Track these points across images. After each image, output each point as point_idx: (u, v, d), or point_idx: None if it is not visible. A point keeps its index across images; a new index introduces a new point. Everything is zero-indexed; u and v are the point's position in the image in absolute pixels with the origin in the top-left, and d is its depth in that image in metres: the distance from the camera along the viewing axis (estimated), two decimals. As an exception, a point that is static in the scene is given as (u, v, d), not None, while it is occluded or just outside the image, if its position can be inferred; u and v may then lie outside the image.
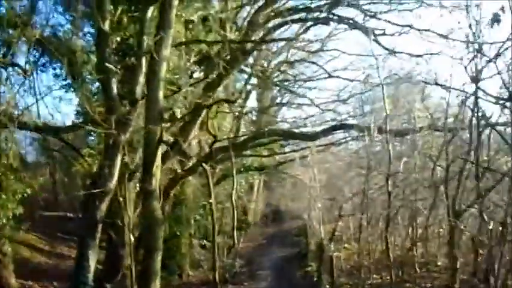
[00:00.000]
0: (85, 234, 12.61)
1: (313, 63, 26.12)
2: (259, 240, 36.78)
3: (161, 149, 14.12)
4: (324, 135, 20.31)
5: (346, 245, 26.19)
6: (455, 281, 12.09)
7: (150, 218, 10.56)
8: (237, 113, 25.09)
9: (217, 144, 19.78)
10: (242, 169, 31.00)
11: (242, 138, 23.21)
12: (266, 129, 23.16)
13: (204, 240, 25.27)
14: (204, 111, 17.23)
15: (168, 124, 13.81)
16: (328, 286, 17.01)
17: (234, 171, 18.18)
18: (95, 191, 12.48)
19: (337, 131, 21.19)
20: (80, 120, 20.16)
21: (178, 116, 17.89)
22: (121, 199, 12.33)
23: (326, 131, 19.79)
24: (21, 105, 15.14)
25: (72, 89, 19.03)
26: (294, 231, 39.26)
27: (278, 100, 36.94)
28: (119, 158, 12.42)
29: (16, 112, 14.69)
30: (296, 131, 24.64)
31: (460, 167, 12.64)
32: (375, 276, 18.28)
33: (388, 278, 17.57)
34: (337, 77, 24.66)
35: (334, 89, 28.76)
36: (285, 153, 33.46)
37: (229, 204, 25.08)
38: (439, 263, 18.88)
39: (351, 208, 26.43)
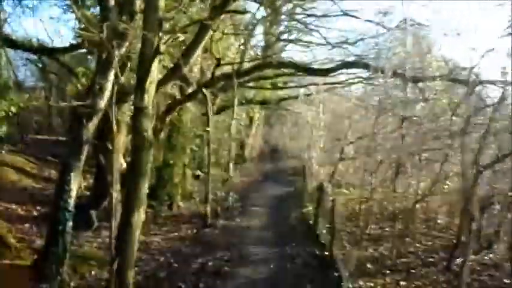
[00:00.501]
0: (69, 156, 11.45)
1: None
2: (254, 176, 35.91)
3: (158, 67, 12.93)
4: (336, 71, 19.02)
5: (344, 190, 25.38)
6: (467, 243, 11.10)
7: (138, 139, 9.34)
8: (242, 40, 23.46)
9: (220, 71, 18.65)
10: (243, 101, 29.86)
11: (247, 66, 21.74)
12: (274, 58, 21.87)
13: (198, 171, 24.32)
14: (209, 34, 15.89)
15: (167, 37, 12.35)
16: (324, 231, 16.09)
17: (236, 101, 17.02)
18: (78, 103, 11.26)
19: (350, 69, 19.82)
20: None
21: (181, 38, 16.53)
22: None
23: (338, 67, 18.49)
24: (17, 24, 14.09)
25: (71, 10, 18.08)
26: (291, 171, 38.46)
27: (285, 37, 35.08)
28: (112, 74, 11.08)
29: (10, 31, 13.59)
30: (308, 65, 23.04)
31: (490, 118, 11.45)
32: (373, 226, 17.43)
33: (387, 229, 16.77)
34: (354, 16, 22.91)
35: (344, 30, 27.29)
36: (290, 87, 32.12)
37: (227, 136, 24.32)
38: (439, 221, 18.04)
39: (352, 153, 25.68)
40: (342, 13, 22.18)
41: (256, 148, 46.47)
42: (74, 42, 19.15)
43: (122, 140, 15.66)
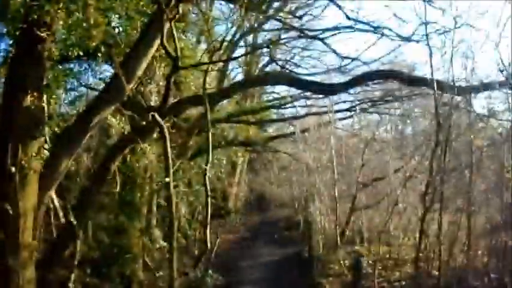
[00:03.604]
0: None
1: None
2: (241, 232, 29.97)
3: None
4: (352, 87, 13.12)
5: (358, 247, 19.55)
6: None
7: None
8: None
9: (186, 92, 12.80)
10: (223, 143, 24.09)
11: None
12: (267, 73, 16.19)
13: (161, 241, 17.78)
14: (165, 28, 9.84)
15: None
16: None
17: (210, 135, 10.79)
18: None
19: (371, 81, 14.00)
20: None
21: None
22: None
23: (355, 82, 12.46)
24: None
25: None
26: (284, 223, 32.64)
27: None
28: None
29: None
30: (311, 79, 16.97)
31: None
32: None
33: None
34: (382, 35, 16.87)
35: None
36: (282, 120, 26.47)
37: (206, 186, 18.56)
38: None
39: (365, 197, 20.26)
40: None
41: (241, 198, 40.79)
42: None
43: (31, 198, 9.90)
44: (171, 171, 9.22)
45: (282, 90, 29.05)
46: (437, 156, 11.01)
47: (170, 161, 9.23)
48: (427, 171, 12.50)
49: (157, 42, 9.88)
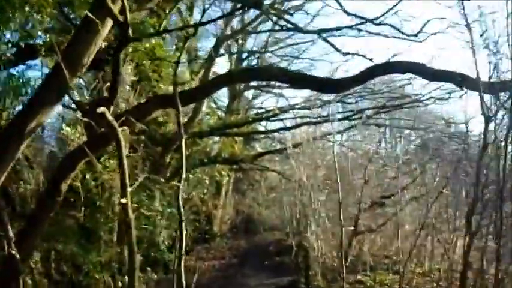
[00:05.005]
0: None
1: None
2: (227, 258, 27.11)
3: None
4: (364, 81, 10.54)
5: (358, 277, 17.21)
6: None
7: None
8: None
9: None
10: (206, 160, 21.74)
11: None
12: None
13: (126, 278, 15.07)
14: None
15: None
16: None
17: (183, 146, 8.26)
18: None
19: (387, 74, 11.60)
20: None
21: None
22: None
23: (367, 74, 9.94)
24: None
25: None
26: (274, 247, 29.83)
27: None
28: None
29: None
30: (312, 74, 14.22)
31: None
32: None
33: None
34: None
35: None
36: (271, 131, 24.17)
37: (187, 209, 16.46)
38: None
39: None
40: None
41: (226, 221, 38.24)
42: None
43: None
44: (129, 189, 6.75)
45: (269, 105, 27.26)
46: (486, 165, 8.52)
47: (127, 175, 6.74)
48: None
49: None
